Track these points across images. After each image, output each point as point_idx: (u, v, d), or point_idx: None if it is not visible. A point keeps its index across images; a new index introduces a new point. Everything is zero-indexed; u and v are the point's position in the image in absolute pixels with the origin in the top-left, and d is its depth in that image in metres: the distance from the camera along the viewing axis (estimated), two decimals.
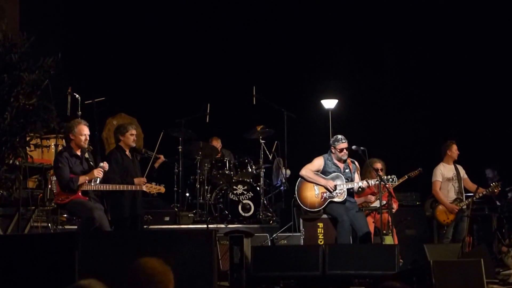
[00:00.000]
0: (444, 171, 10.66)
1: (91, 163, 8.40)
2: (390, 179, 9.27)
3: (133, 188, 8.79)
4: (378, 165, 10.11)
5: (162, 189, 8.91)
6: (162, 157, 10.65)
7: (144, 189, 8.71)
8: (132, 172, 9.14)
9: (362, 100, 14.45)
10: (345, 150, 9.30)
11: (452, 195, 10.57)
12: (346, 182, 9.28)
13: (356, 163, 9.54)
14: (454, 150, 10.71)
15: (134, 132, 9.36)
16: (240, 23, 14.54)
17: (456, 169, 10.68)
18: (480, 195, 10.41)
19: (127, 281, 3.62)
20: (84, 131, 8.36)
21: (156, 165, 10.59)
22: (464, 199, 10.52)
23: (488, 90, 14.01)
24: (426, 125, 14.25)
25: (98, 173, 8.19)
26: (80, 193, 8.15)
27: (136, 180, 8.92)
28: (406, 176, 10.15)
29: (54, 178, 8.41)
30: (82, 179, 8.12)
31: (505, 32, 13.86)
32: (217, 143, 12.30)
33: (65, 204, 8.21)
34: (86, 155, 8.43)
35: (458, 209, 10.43)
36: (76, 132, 8.28)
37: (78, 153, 8.32)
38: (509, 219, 11.82)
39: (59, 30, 12.14)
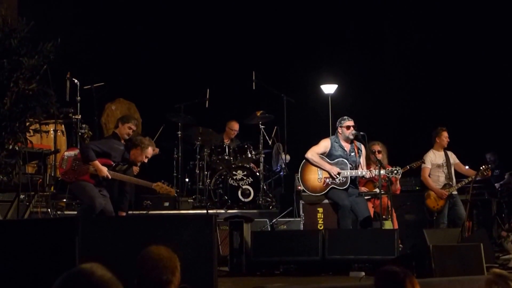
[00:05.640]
0: (434, 157, 10.67)
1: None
2: (395, 171, 9.23)
3: (145, 185, 8.83)
4: (377, 147, 10.13)
5: (172, 191, 8.96)
6: (157, 150, 10.65)
7: (154, 187, 8.69)
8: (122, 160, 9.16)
9: (362, 85, 14.44)
10: (351, 128, 9.31)
11: (442, 181, 10.59)
12: (350, 169, 9.25)
13: (363, 148, 9.51)
14: (444, 137, 10.70)
15: (133, 127, 9.35)
16: (239, 8, 14.48)
17: (446, 155, 10.69)
18: (470, 179, 10.41)
19: (135, 268, 3.65)
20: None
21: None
22: (454, 185, 10.54)
23: (491, 75, 14.01)
24: (427, 111, 14.25)
25: (107, 174, 8.30)
26: (88, 175, 8.29)
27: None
28: (408, 166, 10.13)
29: (67, 154, 8.49)
30: (95, 164, 8.21)
31: (506, 18, 13.84)
32: (236, 126, 12.17)
33: (71, 182, 8.43)
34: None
35: (448, 194, 10.45)
36: (145, 151, 8.60)
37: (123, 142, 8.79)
38: (509, 203, 11.86)
39: (58, 15, 12.09)
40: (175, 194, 9.56)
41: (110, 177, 8.30)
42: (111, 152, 8.43)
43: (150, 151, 8.65)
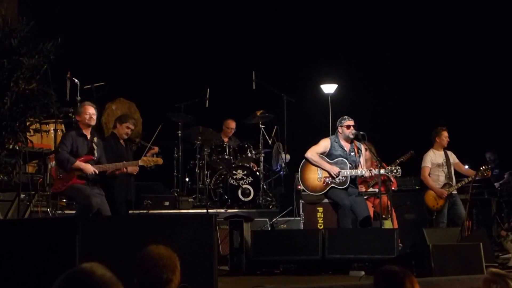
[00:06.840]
0: (434, 157, 10.68)
1: (94, 145, 8.39)
2: (395, 171, 9.24)
3: (126, 168, 8.76)
4: (363, 146, 10.14)
5: (159, 160, 8.89)
6: (156, 148, 10.65)
7: (141, 164, 8.68)
8: (125, 160, 9.13)
9: (362, 85, 14.45)
10: (352, 128, 9.33)
11: (442, 180, 10.59)
12: (350, 169, 9.27)
13: (363, 148, 9.53)
14: (443, 137, 10.71)
15: (131, 127, 9.42)
16: (239, 7, 14.49)
17: (446, 155, 10.69)
18: (469, 179, 10.43)
19: (134, 267, 3.66)
20: (89, 110, 8.43)
21: (148, 155, 10.58)
22: (453, 184, 10.54)
23: (490, 75, 14.01)
24: (427, 110, 14.25)
25: (93, 169, 8.17)
26: (76, 178, 8.16)
27: (129, 169, 8.92)
28: (397, 161, 10.07)
29: (51, 165, 8.43)
30: (78, 164, 8.11)
31: (506, 18, 13.84)
32: (233, 125, 12.20)
33: (63, 191, 8.31)
34: (95, 140, 8.44)
35: (447, 193, 10.45)
36: (81, 111, 8.41)
37: (86, 134, 8.37)
38: (508, 203, 11.86)
39: (58, 15, 12.09)
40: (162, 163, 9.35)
41: (97, 171, 8.23)
42: (76, 143, 8.23)
43: (87, 107, 8.43)
